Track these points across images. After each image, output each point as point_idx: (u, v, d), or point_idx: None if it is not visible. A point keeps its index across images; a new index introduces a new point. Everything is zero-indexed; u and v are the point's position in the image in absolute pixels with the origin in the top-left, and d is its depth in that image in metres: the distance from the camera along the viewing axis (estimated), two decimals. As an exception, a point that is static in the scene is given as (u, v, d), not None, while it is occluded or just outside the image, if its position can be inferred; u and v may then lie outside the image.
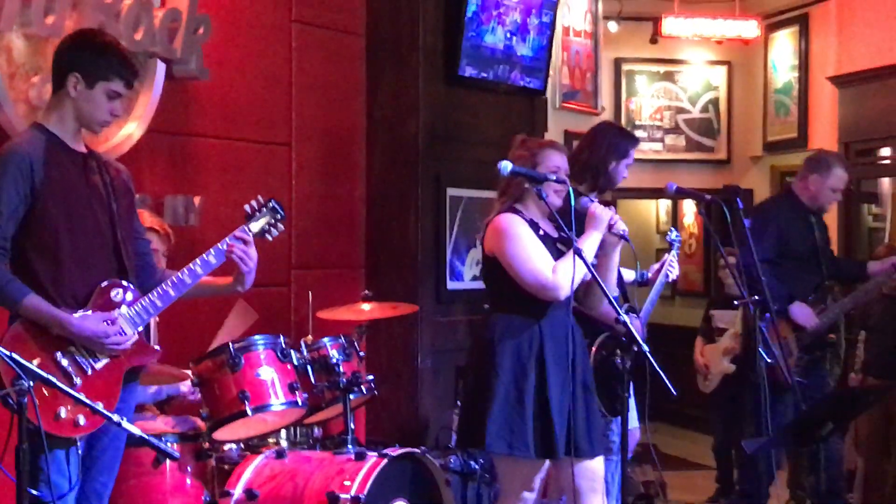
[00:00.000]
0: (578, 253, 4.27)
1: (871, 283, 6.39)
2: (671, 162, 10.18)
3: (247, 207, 4.28)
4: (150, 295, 4.02)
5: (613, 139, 5.34)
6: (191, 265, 4.10)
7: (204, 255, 4.13)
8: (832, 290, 6.48)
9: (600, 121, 7.98)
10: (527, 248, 4.45)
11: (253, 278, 4.26)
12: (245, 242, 4.18)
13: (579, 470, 4.49)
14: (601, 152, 5.29)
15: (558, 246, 4.60)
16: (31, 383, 3.22)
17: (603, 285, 4.26)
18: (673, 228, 6.21)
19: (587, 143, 5.42)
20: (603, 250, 4.58)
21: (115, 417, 3.39)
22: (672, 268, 5.55)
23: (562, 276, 4.36)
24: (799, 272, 6.27)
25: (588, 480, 4.56)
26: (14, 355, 3.25)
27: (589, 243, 4.49)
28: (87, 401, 3.42)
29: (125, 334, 3.90)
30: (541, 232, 4.55)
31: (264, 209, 4.29)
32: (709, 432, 10.15)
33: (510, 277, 4.49)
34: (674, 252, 5.66)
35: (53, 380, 3.36)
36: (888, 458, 7.62)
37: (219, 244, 4.17)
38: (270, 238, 4.32)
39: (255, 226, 4.23)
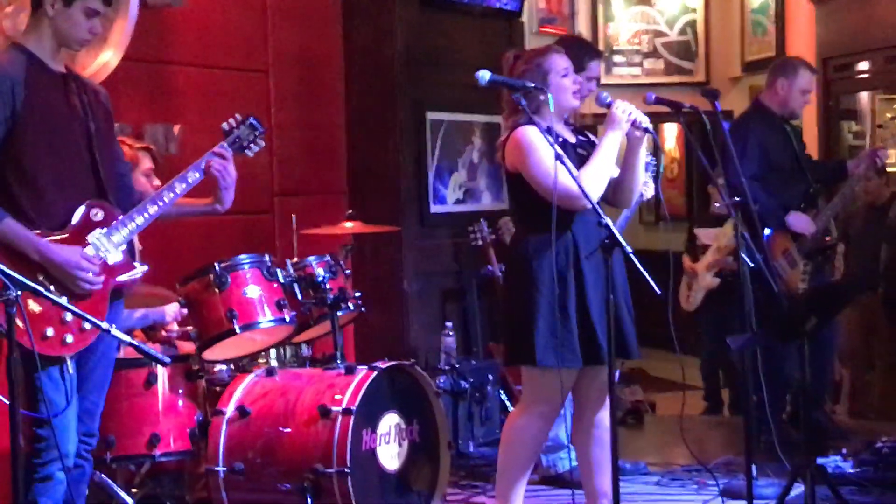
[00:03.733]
0: (559, 159, 4.21)
1: (854, 178, 6.40)
2: (650, 86, 10.14)
3: (224, 125, 4.28)
4: (131, 213, 4.02)
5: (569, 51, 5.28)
6: (170, 183, 4.11)
7: (183, 173, 4.14)
8: (819, 196, 6.50)
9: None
10: (545, 158, 4.36)
11: (232, 198, 4.25)
12: (223, 158, 4.18)
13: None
14: None
15: (578, 151, 4.56)
16: (19, 293, 3.22)
17: (588, 194, 4.20)
18: (649, 154, 6.20)
19: None
20: (629, 146, 4.54)
21: (105, 325, 3.40)
22: (646, 187, 5.52)
23: (587, 182, 4.30)
24: (786, 182, 6.28)
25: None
26: (1, 266, 3.24)
27: (609, 143, 4.45)
28: (78, 310, 3.43)
29: (97, 275, 3.88)
30: (560, 139, 4.49)
31: (242, 126, 4.28)
32: (696, 354, 10.24)
33: (536, 191, 4.44)
34: (649, 174, 5.63)
35: (42, 289, 3.36)
36: (872, 369, 7.72)
37: (198, 161, 4.18)
38: (251, 153, 4.31)
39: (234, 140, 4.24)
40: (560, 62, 4.57)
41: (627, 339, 4.55)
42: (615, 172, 4.55)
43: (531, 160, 4.43)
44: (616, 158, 4.55)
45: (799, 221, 6.20)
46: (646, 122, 4.44)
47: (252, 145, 4.30)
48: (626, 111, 4.44)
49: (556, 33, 8.94)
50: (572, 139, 4.63)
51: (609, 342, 4.05)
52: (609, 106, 4.48)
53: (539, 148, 4.40)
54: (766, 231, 6.13)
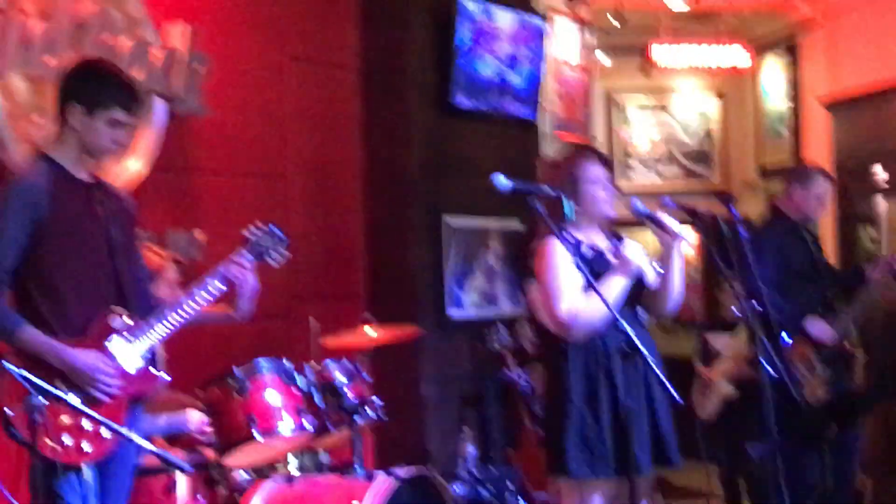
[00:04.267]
0: (591, 284, 4.22)
1: (871, 284, 6.37)
2: (667, 192, 10.22)
3: (245, 233, 4.32)
4: (150, 320, 4.04)
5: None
6: (190, 292, 4.15)
7: (203, 282, 4.17)
8: (837, 301, 6.48)
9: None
10: (556, 279, 4.40)
11: (251, 308, 4.30)
12: (243, 266, 4.21)
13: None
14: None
15: (606, 259, 4.57)
16: (45, 402, 3.23)
17: (603, 297, 4.23)
18: None
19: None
20: (663, 253, 4.55)
21: (125, 431, 3.41)
22: None
23: (578, 316, 4.35)
24: (804, 288, 6.27)
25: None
26: (24, 372, 3.26)
27: (613, 287, 4.42)
28: (98, 416, 3.43)
29: (116, 379, 3.88)
30: (583, 249, 4.51)
31: (263, 234, 4.32)
32: (708, 461, 10.13)
33: None
34: None
35: (67, 398, 3.37)
36: (895, 476, 7.63)
37: (216, 269, 4.22)
38: (273, 263, 4.36)
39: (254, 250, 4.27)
40: (592, 171, 4.59)
41: (668, 444, 4.49)
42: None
43: (544, 278, 4.46)
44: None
45: (818, 328, 6.18)
46: (678, 227, 4.47)
47: (273, 254, 4.33)
48: (635, 256, 4.47)
49: (573, 139, 9.03)
50: (605, 244, 4.64)
51: (623, 450, 4.04)
52: (640, 214, 4.50)
53: (555, 267, 4.42)
54: (785, 337, 6.12)
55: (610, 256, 4.59)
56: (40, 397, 3.21)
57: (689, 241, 4.56)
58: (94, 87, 4.00)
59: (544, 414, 4.64)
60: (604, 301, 4.18)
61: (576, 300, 4.37)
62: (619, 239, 4.73)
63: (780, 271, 6.20)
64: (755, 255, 6.25)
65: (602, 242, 4.63)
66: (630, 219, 4.67)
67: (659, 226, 4.48)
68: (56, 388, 3.64)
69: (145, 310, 4.12)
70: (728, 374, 7.54)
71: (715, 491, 8.72)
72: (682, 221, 4.57)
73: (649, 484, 4.68)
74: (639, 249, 4.51)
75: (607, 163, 5.00)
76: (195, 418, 5.10)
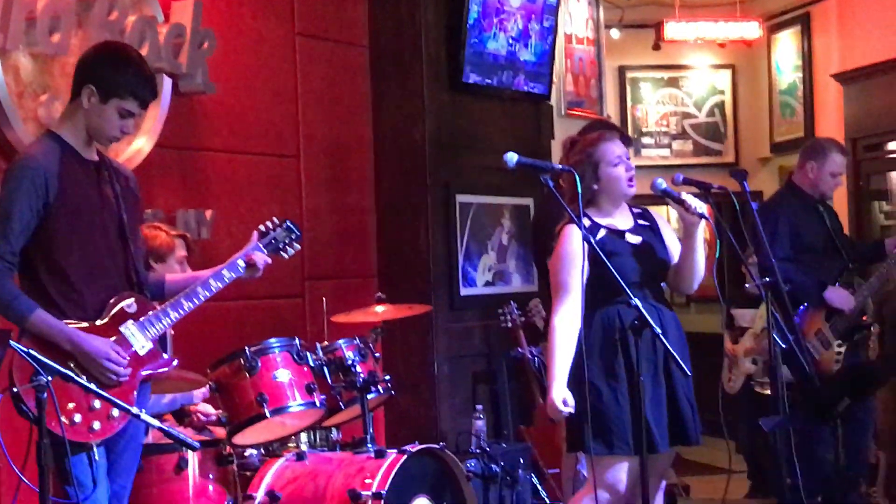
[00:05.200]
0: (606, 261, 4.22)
1: (892, 257, 6.33)
2: (679, 167, 10.18)
3: (261, 227, 4.37)
4: (165, 307, 4.05)
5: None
6: (205, 280, 4.15)
7: (218, 270, 4.20)
8: (854, 275, 6.45)
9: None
10: (568, 272, 4.42)
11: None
12: (256, 259, 4.25)
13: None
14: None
15: (628, 239, 4.56)
16: (50, 379, 3.24)
17: (613, 271, 4.22)
18: None
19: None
20: (685, 232, 4.54)
21: (135, 410, 3.41)
22: None
23: (560, 321, 4.40)
24: (820, 262, 6.25)
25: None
26: (32, 352, 3.27)
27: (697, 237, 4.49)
28: (108, 395, 3.44)
29: (127, 368, 3.89)
30: (600, 235, 4.50)
31: (279, 228, 4.36)
32: (729, 437, 10.13)
33: (589, 278, 4.40)
34: None
35: (73, 375, 3.38)
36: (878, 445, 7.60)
37: (233, 259, 4.24)
38: (286, 256, 4.42)
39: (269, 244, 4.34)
40: (612, 150, 4.56)
41: (686, 423, 4.47)
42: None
43: (556, 268, 4.49)
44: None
45: (837, 296, 6.15)
46: (700, 206, 4.44)
47: (288, 248, 4.39)
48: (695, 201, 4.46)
49: (585, 116, 9.00)
50: (626, 224, 4.61)
51: (638, 426, 4.03)
52: (663, 192, 4.48)
53: (569, 259, 4.42)
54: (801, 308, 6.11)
55: (630, 236, 4.57)
56: (48, 376, 3.21)
57: (710, 220, 4.54)
58: (115, 73, 3.95)
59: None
60: (618, 281, 4.19)
61: (569, 310, 4.38)
62: (643, 214, 4.71)
63: (795, 246, 6.19)
64: (769, 231, 6.27)
65: (623, 222, 4.61)
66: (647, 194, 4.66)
67: (682, 205, 4.46)
68: (67, 369, 3.66)
69: (149, 291, 4.13)
70: (750, 352, 7.56)
71: (735, 468, 8.75)
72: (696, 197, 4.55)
73: (669, 461, 4.68)
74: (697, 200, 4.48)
75: (627, 139, 5.00)
76: (200, 392, 5.12)
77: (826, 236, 6.34)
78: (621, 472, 4.36)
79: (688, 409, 4.49)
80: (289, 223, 4.39)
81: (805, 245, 6.24)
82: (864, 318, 6.32)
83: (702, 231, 4.54)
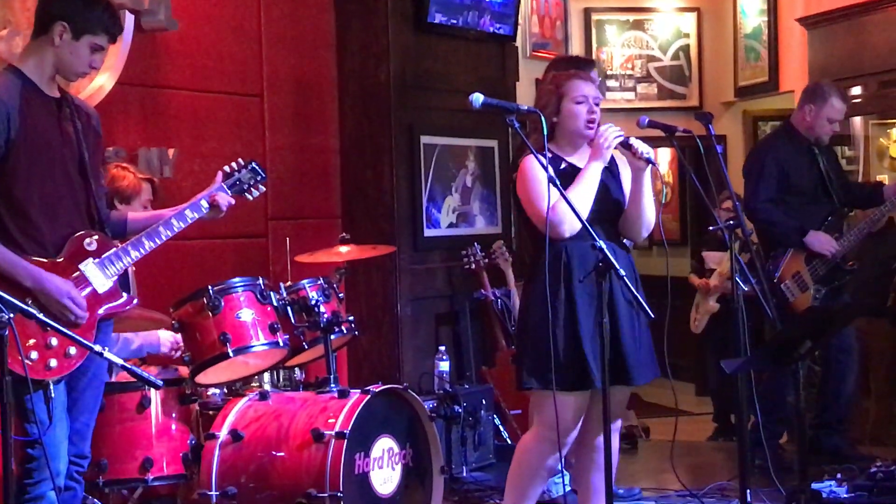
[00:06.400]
0: (553, 181, 4.22)
1: (888, 203, 6.33)
2: (643, 110, 10.16)
3: (226, 167, 4.35)
4: (126, 246, 4.03)
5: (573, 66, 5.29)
6: (167, 220, 4.12)
7: (180, 210, 4.17)
8: (847, 218, 6.45)
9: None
10: (535, 188, 4.40)
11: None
12: (220, 200, 4.23)
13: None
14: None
15: None
16: (12, 315, 3.22)
17: (575, 208, 4.20)
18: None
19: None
20: (633, 178, 4.53)
21: (98, 348, 3.39)
22: None
23: (560, 211, 4.31)
24: (805, 205, 6.27)
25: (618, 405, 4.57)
26: (-8, 288, 3.24)
27: (588, 175, 4.43)
28: (70, 333, 3.42)
29: (84, 310, 3.86)
30: (562, 165, 4.50)
31: (244, 170, 4.33)
32: (689, 380, 10.21)
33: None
34: None
35: (34, 311, 3.35)
36: (868, 394, 7.68)
37: (196, 199, 4.22)
38: (251, 198, 4.41)
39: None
40: (578, 88, 4.54)
41: (629, 364, 4.48)
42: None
43: (523, 190, 4.49)
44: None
45: (818, 240, 6.16)
46: (647, 151, 4.43)
47: (252, 189, 4.38)
48: (609, 138, 4.43)
49: (550, 58, 8.96)
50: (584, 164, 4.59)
51: (603, 366, 4.05)
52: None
53: (533, 178, 4.43)
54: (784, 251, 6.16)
55: None
56: (9, 313, 3.19)
57: (658, 165, 4.53)
58: (85, 10, 3.93)
59: (516, 334, 4.68)
60: (577, 215, 4.16)
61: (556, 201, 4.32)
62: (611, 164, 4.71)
63: (782, 188, 6.20)
64: (756, 171, 6.28)
65: (583, 162, 4.59)
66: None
67: (629, 149, 4.46)
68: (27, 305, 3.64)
69: (111, 229, 4.11)
70: (714, 291, 7.63)
71: (702, 410, 8.84)
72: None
73: (623, 401, 4.72)
74: (615, 131, 4.46)
75: (590, 63, 4.95)
76: (167, 338, 5.10)
77: (817, 179, 6.33)
78: (560, 408, 4.34)
79: (633, 350, 4.50)
80: (254, 164, 4.37)
81: (793, 187, 6.25)
82: (851, 263, 6.34)
83: (648, 176, 4.54)
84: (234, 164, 4.33)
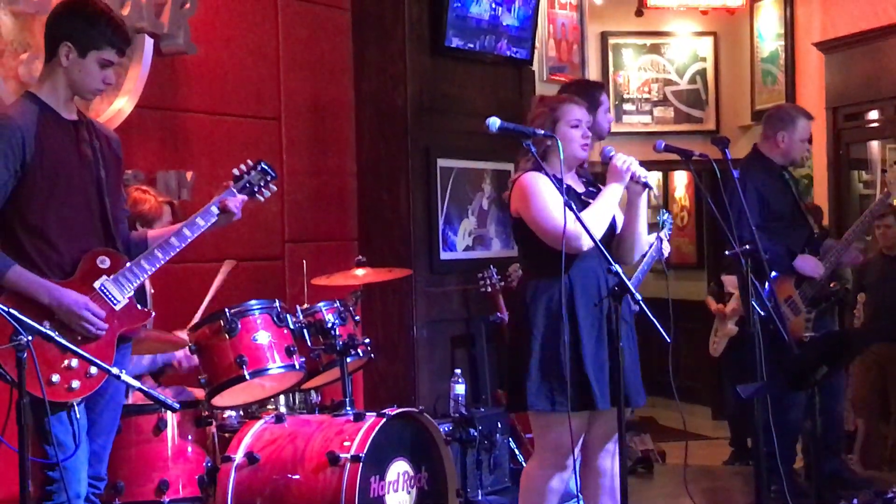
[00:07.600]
0: (568, 205, 4.24)
1: (861, 219, 6.38)
2: (660, 134, 10.19)
3: (235, 170, 4.32)
4: (139, 260, 4.04)
5: (580, 94, 5.32)
6: (179, 230, 4.13)
7: (192, 219, 4.17)
8: (824, 240, 6.48)
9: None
10: (547, 202, 4.42)
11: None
12: (230, 204, 4.21)
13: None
14: None
15: (584, 200, 4.58)
16: (31, 338, 3.23)
17: (594, 238, 4.23)
18: (664, 210, 6.23)
19: None
20: (629, 201, 4.55)
21: (115, 370, 3.41)
22: (661, 246, 5.54)
23: (576, 226, 4.30)
24: (786, 230, 6.29)
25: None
26: (12, 311, 3.25)
27: (609, 195, 4.48)
28: (87, 355, 3.43)
29: (103, 321, 3.88)
30: (566, 187, 4.50)
31: (253, 171, 4.32)
32: (705, 403, 10.20)
33: (537, 236, 4.47)
34: (664, 231, 5.66)
35: (53, 334, 3.37)
36: (887, 419, 7.67)
37: (206, 206, 4.21)
38: (262, 198, 4.36)
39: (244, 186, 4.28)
40: (573, 112, 4.58)
41: (629, 386, 4.46)
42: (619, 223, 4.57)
43: (532, 203, 4.48)
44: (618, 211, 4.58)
45: (806, 264, 6.19)
46: (645, 175, 4.46)
47: (263, 190, 4.34)
48: (626, 163, 4.46)
49: (567, 82, 8.99)
50: (580, 189, 4.65)
51: (619, 389, 4.05)
52: (610, 159, 4.50)
53: (541, 192, 4.44)
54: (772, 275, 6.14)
55: (584, 199, 4.59)
56: (27, 335, 3.20)
57: (655, 189, 4.55)
58: (88, 26, 3.95)
59: (510, 352, 4.68)
60: (587, 231, 4.20)
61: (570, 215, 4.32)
62: (592, 182, 4.73)
63: (763, 215, 6.21)
64: (739, 199, 6.28)
65: (578, 186, 4.63)
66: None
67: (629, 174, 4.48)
68: (45, 327, 3.65)
69: (128, 249, 4.12)
70: (733, 314, 7.62)
71: (719, 434, 8.83)
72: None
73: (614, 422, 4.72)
74: (630, 160, 4.48)
75: (592, 100, 4.98)
76: (179, 355, 5.12)
77: (793, 204, 6.37)
78: (560, 431, 4.37)
79: (631, 373, 4.50)
80: (263, 164, 4.31)
81: (774, 213, 6.26)
82: (833, 284, 6.37)
83: (644, 200, 4.56)
84: (242, 166, 4.30)
